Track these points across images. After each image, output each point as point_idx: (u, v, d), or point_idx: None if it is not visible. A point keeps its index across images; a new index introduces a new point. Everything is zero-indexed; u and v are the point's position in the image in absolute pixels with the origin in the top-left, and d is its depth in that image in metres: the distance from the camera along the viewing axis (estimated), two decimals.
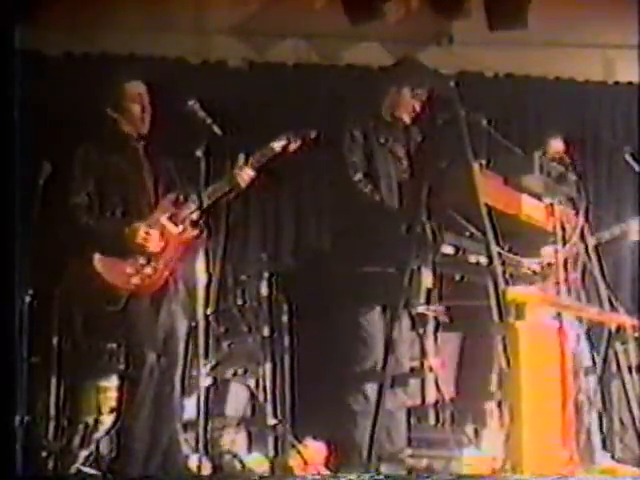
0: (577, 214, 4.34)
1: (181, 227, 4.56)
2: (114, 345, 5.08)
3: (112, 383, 5.04)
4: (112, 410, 4.92)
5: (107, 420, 4.95)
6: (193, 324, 4.47)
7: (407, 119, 4.73)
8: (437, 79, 4.75)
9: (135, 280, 4.47)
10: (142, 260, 4.49)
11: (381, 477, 4.05)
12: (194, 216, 4.57)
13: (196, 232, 4.56)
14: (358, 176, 4.53)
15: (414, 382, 5.00)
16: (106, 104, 4.63)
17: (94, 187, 4.54)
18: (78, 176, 4.54)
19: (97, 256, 4.46)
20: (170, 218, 4.56)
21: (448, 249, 4.26)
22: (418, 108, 4.71)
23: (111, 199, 4.55)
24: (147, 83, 4.65)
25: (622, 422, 5.23)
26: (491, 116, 4.42)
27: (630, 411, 4.46)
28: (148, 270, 4.49)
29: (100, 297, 4.49)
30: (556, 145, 5.37)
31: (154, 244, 4.49)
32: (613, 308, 4.44)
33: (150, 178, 4.62)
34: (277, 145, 4.64)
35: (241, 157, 4.64)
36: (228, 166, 4.64)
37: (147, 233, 4.47)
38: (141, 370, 4.42)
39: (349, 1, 6.33)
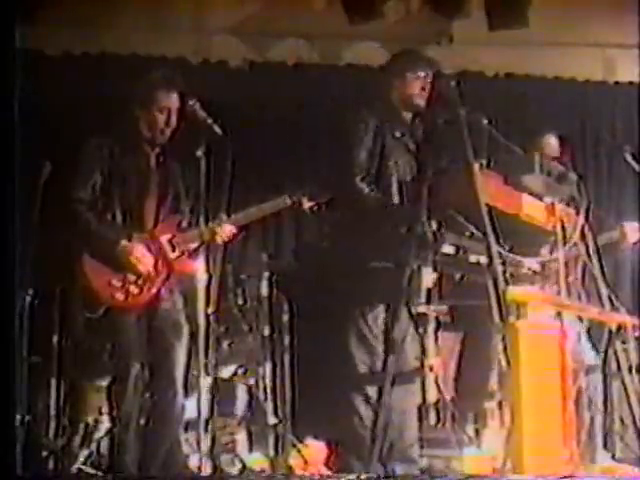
0: (577, 214, 4.34)
1: (178, 253, 4.49)
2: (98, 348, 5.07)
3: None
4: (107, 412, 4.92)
5: (107, 420, 4.94)
6: (193, 326, 4.45)
7: (421, 102, 4.62)
8: (437, 70, 4.69)
9: (119, 295, 4.37)
10: (131, 277, 4.39)
11: (383, 477, 4.05)
12: (193, 246, 4.51)
13: (193, 263, 4.45)
14: (362, 175, 4.50)
15: (415, 382, 4.99)
16: (133, 104, 4.51)
17: (100, 183, 4.43)
18: (85, 169, 4.44)
19: (86, 257, 4.38)
20: (170, 240, 4.48)
21: (448, 249, 4.25)
22: (427, 88, 4.60)
23: (114, 202, 4.45)
24: (181, 93, 4.52)
25: (622, 421, 5.22)
26: (491, 116, 4.42)
27: (630, 410, 4.46)
28: (134, 289, 4.39)
29: (79, 300, 4.47)
30: (553, 145, 5.37)
31: (146, 267, 4.40)
32: (613, 307, 4.43)
33: (156, 190, 4.52)
34: (268, 207, 4.56)
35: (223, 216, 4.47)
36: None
37: (142, 255, 4.38)
38: (126, 376, 4.34)
39: (349, 1, 6.34)
